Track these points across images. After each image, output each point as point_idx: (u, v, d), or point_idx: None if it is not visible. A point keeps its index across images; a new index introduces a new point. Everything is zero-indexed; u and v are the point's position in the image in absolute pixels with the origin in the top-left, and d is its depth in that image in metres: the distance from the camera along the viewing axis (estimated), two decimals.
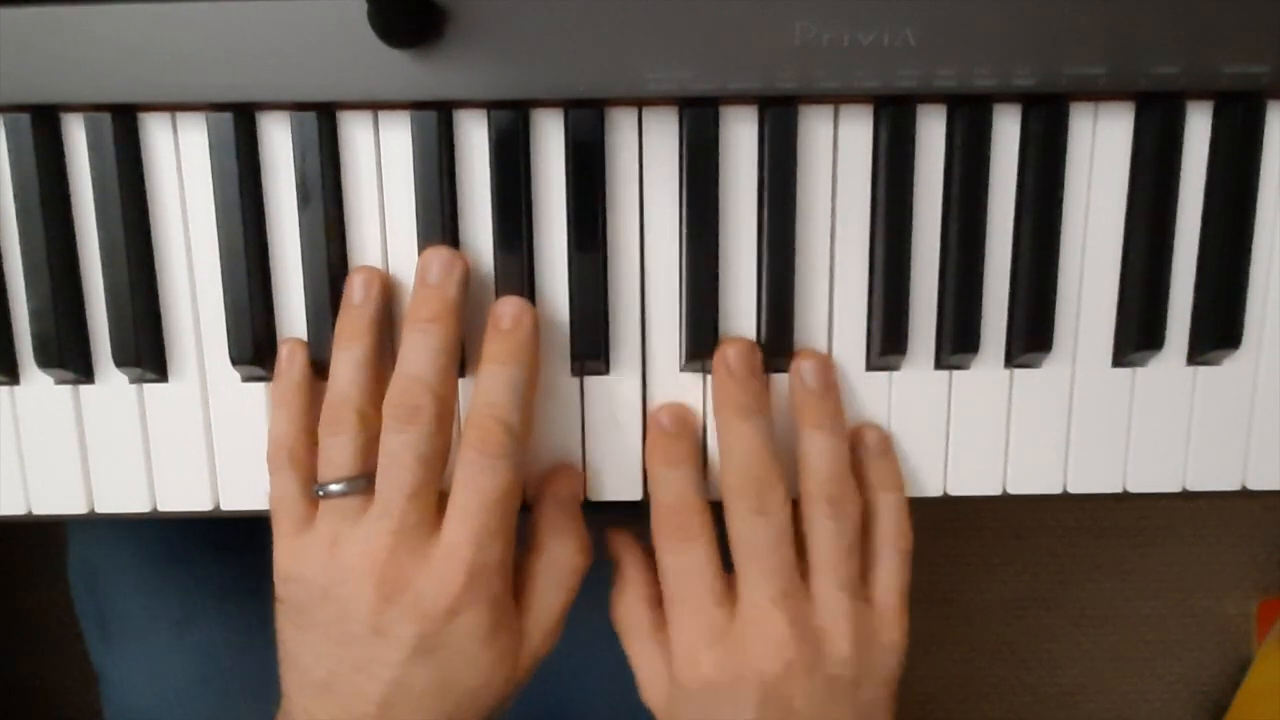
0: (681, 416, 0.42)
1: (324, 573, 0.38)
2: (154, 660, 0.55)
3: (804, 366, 0.40)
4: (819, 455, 0.40)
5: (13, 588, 1.09)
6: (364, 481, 0.38)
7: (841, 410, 0.41)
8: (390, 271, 0.41)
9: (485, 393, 0.38)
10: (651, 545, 0.41)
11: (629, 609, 0.42)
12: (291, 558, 0.39)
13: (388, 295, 0.40)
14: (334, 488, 0.38)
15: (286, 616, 0.39)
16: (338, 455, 0.38)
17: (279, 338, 0.41)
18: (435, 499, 0.38)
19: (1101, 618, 1.16)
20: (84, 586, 0.57)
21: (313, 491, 0.39)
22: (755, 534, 0.39)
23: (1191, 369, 0.42)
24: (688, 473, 0.40)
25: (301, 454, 0.40)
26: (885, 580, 0.41)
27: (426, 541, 0.37)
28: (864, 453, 0.42)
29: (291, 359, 0.40)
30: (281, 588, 0.39)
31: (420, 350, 0.38)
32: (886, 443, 0.42)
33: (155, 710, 0.55)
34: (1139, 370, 0.42)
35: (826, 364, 0.41)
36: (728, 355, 0.40)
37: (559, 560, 0.41)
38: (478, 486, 0.37)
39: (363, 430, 0.38)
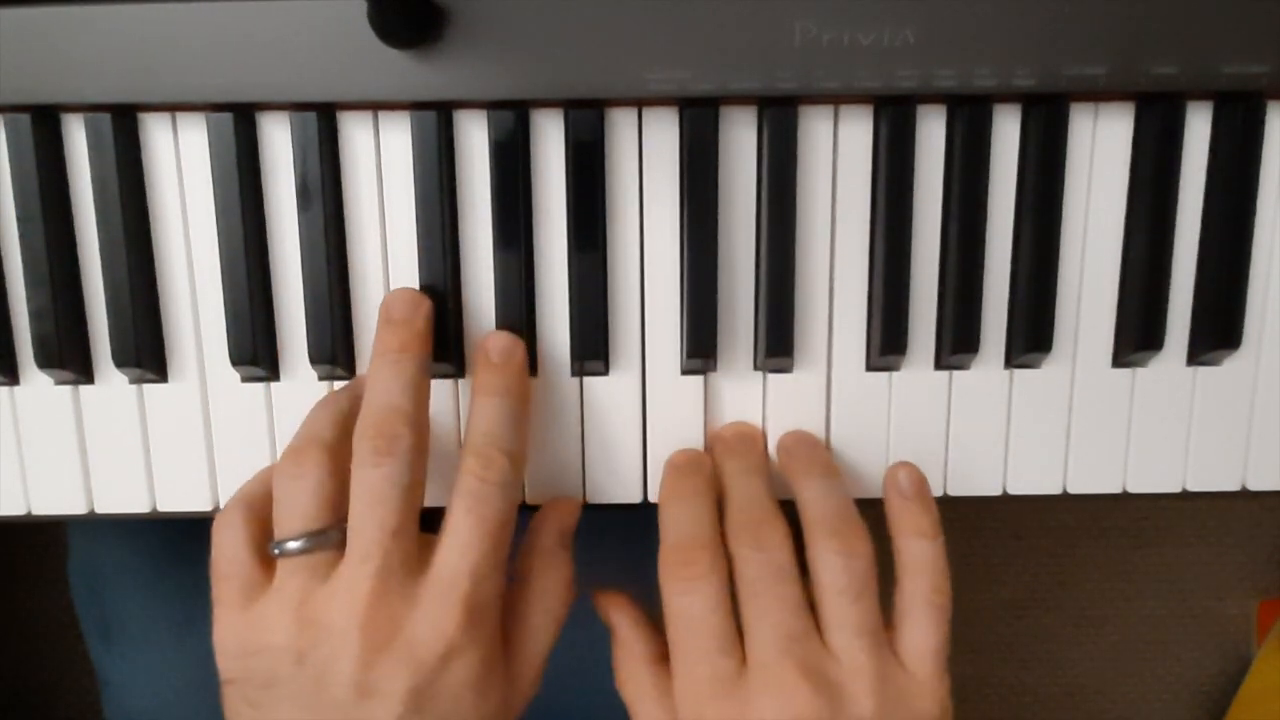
0: (695, 459, 0.41)
1: (296, 637, 0.34)
2: (155, 662, 0.55)
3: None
4: (819, 496, 0.39)
5: (13, 588, 1.09)
6: (333, 534, 0.35)
7: (825, 451, 0.42)
8: (390, 271, 0.41)
9: (483, 422, 0.38)
10: (644, 605, 0.41)
11: (631, 673, 0.40)
12: (247, 629, 0.35)
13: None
14: (294, 544, 0.35)
15: (243, 698, 0.35)
16: (301, 501, 0.35)
17: (278, 338, 0.41)
18: (417, 537, 0.36)
19: (1101, 618, 1.16)
20: (84, 588, 0.57)
21: (267, 550, 0.36)
22: (754, 572, 0.37)
23: (1191, 369, 0.42)
24: (697, 507, 0.39)
25: (258, 506, 0.37)
26: (916, 639, 0.38)
27: (414, 581, 0.35)
28: (894, 494, 0.40)
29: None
30: (233, 666, 0.35)
31: (392, 380, 0.36)
32: (922, 484, 0.40)
33: (156, 711, 0.55)
34: (1139, 370, 0.42)
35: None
36: (725, 437, 0.41)
37: (551, 590, 0.39)
38: (479, 515, 0.35)
39: (332, 472, 0.36)
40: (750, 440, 0.42)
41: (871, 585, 0.37)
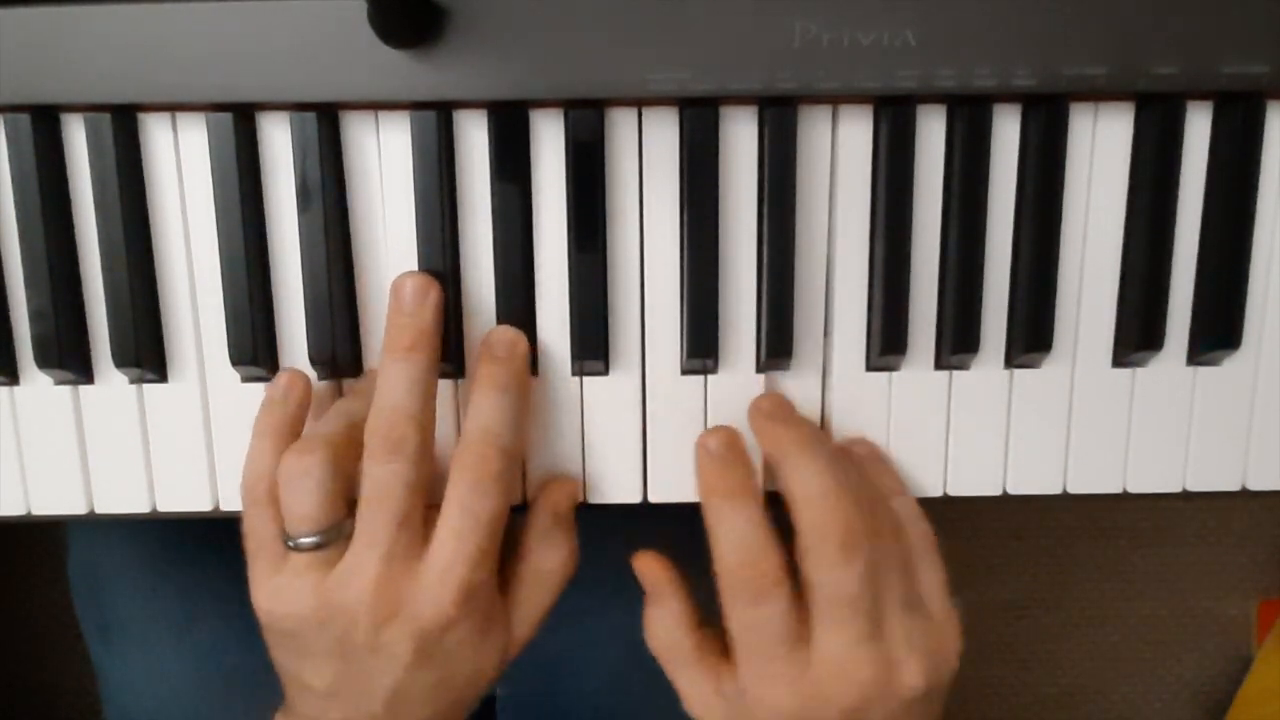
0: (732, 441, 0.40)
1: (315, 610, 0.38)
2: (154, 661, 0.55)
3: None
4: (810, 477, 0.38)
5: (13, 588, 1.09)
6: (341, 528, 0.38)
7: (821, 434, 0.42)
8: (390, 271, 0.41)
9: (480, 417, 0.38)
10: (679, 563, 0.41)
11: (668, 636, 0.41)
12: (274, 597, 0.38)
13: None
14: (306, 541, 0.38)
15: (279, 645, 0.40)
16: (304, 504, 0.37)
17: (278, 338, 0.41)
18: (422, 524, 0.38)
19: (1101, 618, 1.16)
20: (84, 587, 0.57)
21: (284, 541, 0.38)
22: (841, 579, 0.37)
23: (1191, 369, 0.42)
24: (751, 510, 0.38)
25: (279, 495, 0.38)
26: (930, 585, 0.40)
27: (416, 561, 0.37)
28: (864, 465, 0.42)
29: (290, 390, 0.40)
30: (267, 621, 0.39)
31: (401, 380, 0.38)
32: (876, 450, 0.42)
33: (155, 711, 0.55)
34: (1139, 370, 0.42)
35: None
36: (762, 406, 0.41)
37: (544, 568, 0.41)
38: (473, 510, 0.37)
39: (334, 474, 0.37)
40: (790, 408, 0.41)
41: (909, 559, 0.40)
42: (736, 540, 0.38)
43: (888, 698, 0.38)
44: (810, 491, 0.38)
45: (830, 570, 0.37)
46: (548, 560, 0.41)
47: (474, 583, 0.37)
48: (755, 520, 0.38)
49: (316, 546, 0.38)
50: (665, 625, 0.42)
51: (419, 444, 0.37)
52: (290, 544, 0.38)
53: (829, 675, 0.38)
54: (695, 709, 0.41)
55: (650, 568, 0.42)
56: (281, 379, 0.40)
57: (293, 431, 0.40)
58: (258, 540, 0.39)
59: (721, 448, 0.40)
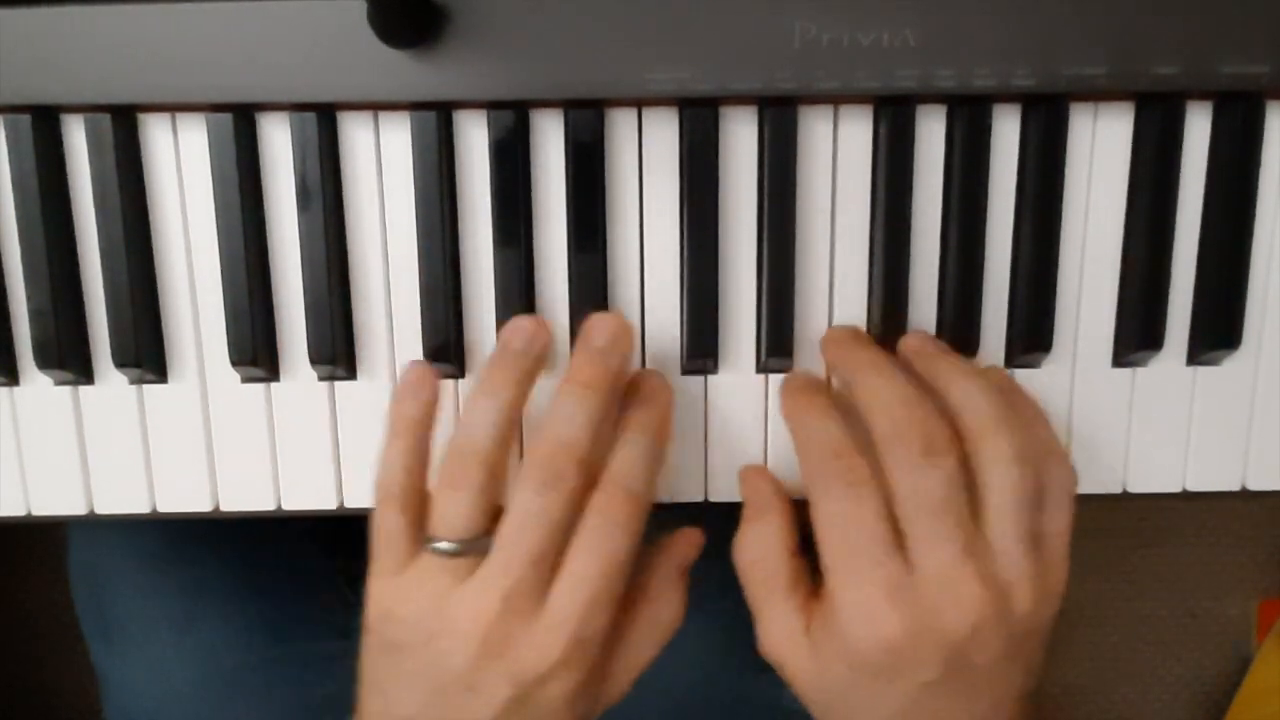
0: (813, 380, 0.41)
1: (427, 621, 0.37)
2: (155, 661, 0.55)
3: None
4: (982, 394, 0.37)
5: (13, 588, 1.09)
6: (479, 543, 0.37)
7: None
8: (390, 271, 0.41)
9: (621, 460, 0.38)
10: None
11: (765, 553, 0.39)
12: (391, 597, 0.38)
13: (548, 351, 0.39)
14: (444, 545, 0.37)
15: (380, 649, 0.38)
16: (457, 513, 0.37)
17: (278, 339, 0.41)
18: (552, 566, 0.37)
19: (1101, 618, 1.16)
20: (85, 587, 0.57)
21: (419, 534, 0.38)
22: (928, 483, 0.35)
23: (1191, 369, 0.42)
24: (834, 419, 0.38)
25: (412, 494, 0.38)
26: (1056, 526, 0.38)
27: (535, 605, 0.36)
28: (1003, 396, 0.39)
29: (420, 386, 0.39)
30: (376, 622, 0.38)
31: (575, 415, 0.37)
32: (1014, 382, 0.41)
33: (156, 711, 0.55)
34: (1139, 370, 0.42)
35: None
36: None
37: (661, 618, 0.40)
38: (598, 553, 0.36)
39: (488, 488, 0.37)
40: (865, 336, 0.41)
41: (1040, 490, 0.37)
42: (824, 434, 0.38)
43: (999, 623, 0.35)
44: (886, 398, 0.37)
45: (912, 473, 0.36)
46: (665, 610, 0.40)
47: (584, 637, 0.36)
48: (840, 426, 0.38)
49: (453, 554, 0.37)
50: (764, 542, 0.39)
51: (576, 486, 0.36)
52: (429, 544, 0.37)
53: (935, 592, 0.35)
54: (777, 648, 0.39)
55: (756, 480, 0.41)
56: (412, 372, 0.39)
57: (426, 428, 0.39)
58: (386, 537, 0.38)
59: (806, 383, 0.40)
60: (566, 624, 0.36)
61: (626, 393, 0.40)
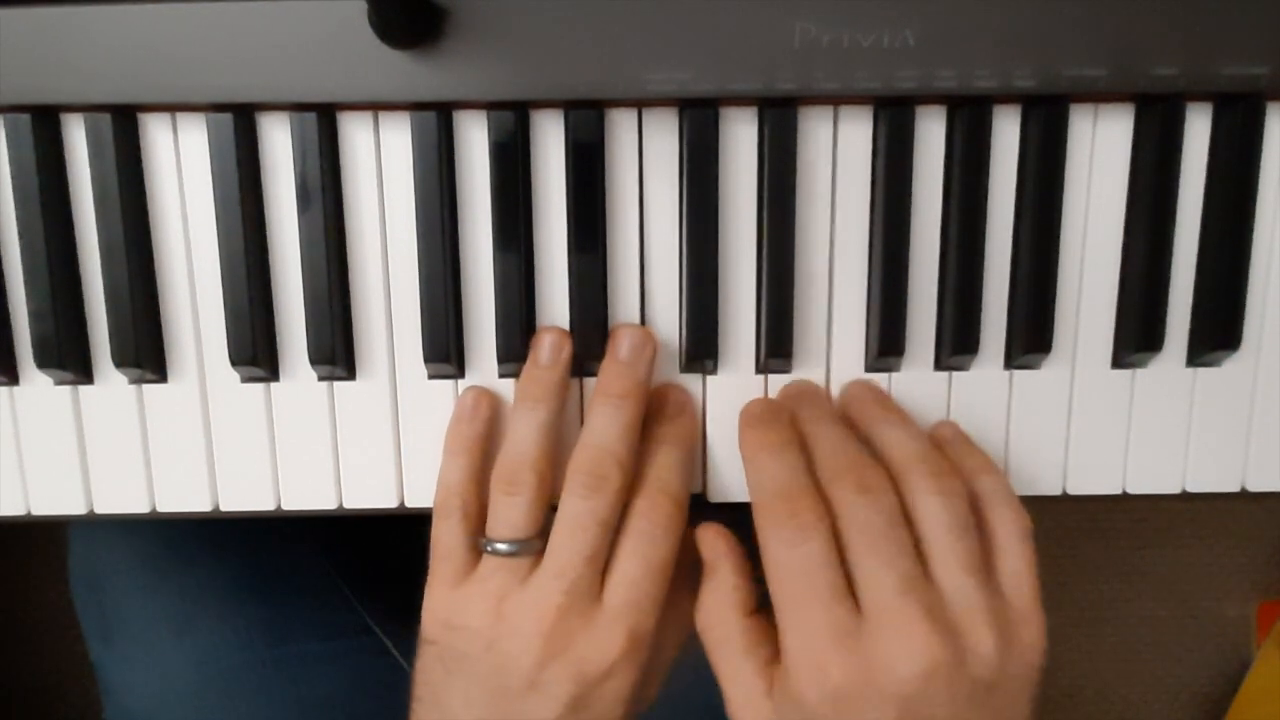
0: (774, 408, 0.41)
1: (490, 626, 0.38)
2: (154, 661, 0.55)
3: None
4: (905, 439, 0.38)
5: (13, 588, 1.09)
6: (535, 543, 0.39)
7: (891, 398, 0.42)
8: (390, 272, 0.41)
9: (658, 469, 0.40)
10: (746, 545, 0.40)
11: (723, 617, 0.39)
12: (453, 606, 0.39)
13: (573, 359, 0.41)
14: (503, 546, 0.39)
15: (438, 660, 0.40)
16: (513, 515, 0.39)
17: (278, 339, 0.41)
18: (604, 564, 0.39)
19: (1101, 618, 1.16)
20: (84, 587, 0.57)
21: (479, 544, 0.40)
22: (866, 514, 0.36)
23: (1191, 370, 0.42)
24: (791, 456, 0.39)
25: (473, 506, 0.40)
26: (1013, 568, 0.37)
27: (593, 605, 0.38)
28: (947, 447, 0.40)
29: (477, 408, 0.41)
30: (438, 632, 0.40)
31: (611, 423, 0.39)
32: (960, 431, 0.42)
33: (155, 711, 0.55)
34: (1139, 371, 0.42)
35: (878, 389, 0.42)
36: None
37: (683, 620, 0.41)
38: (645, 556, 0.38)
39: (540, 492, 0.39)
40: (818, 391, 0.42)
41: (972, 521, 0.37)
42: (774, 476, 0.38)
43: (955, 669, 0.34)
44: (823, 444, 0.39)
45: (850, 509, 0.36)
46: (684, 609, 0.41)
47: (641, 631, 0.38)
48: (795, 464, 0.38)
49: (512, 553, 0.38)
50: (716, 605, 0.39)
51: (619, 487, 0.39)
52: (488, 546, 0.39)
53: (883, 637, 0.34)
54: (739, 713, 0.38)
55: (711, 539, 0.41)
56: (468, 397, 0.41)
57: (481, 447, 0.41)
58: (444, 550, 0.40)
59: (765, 413, 0.41)
60: (624, 619, 0.38)
61: (651, 404, 0.41)
